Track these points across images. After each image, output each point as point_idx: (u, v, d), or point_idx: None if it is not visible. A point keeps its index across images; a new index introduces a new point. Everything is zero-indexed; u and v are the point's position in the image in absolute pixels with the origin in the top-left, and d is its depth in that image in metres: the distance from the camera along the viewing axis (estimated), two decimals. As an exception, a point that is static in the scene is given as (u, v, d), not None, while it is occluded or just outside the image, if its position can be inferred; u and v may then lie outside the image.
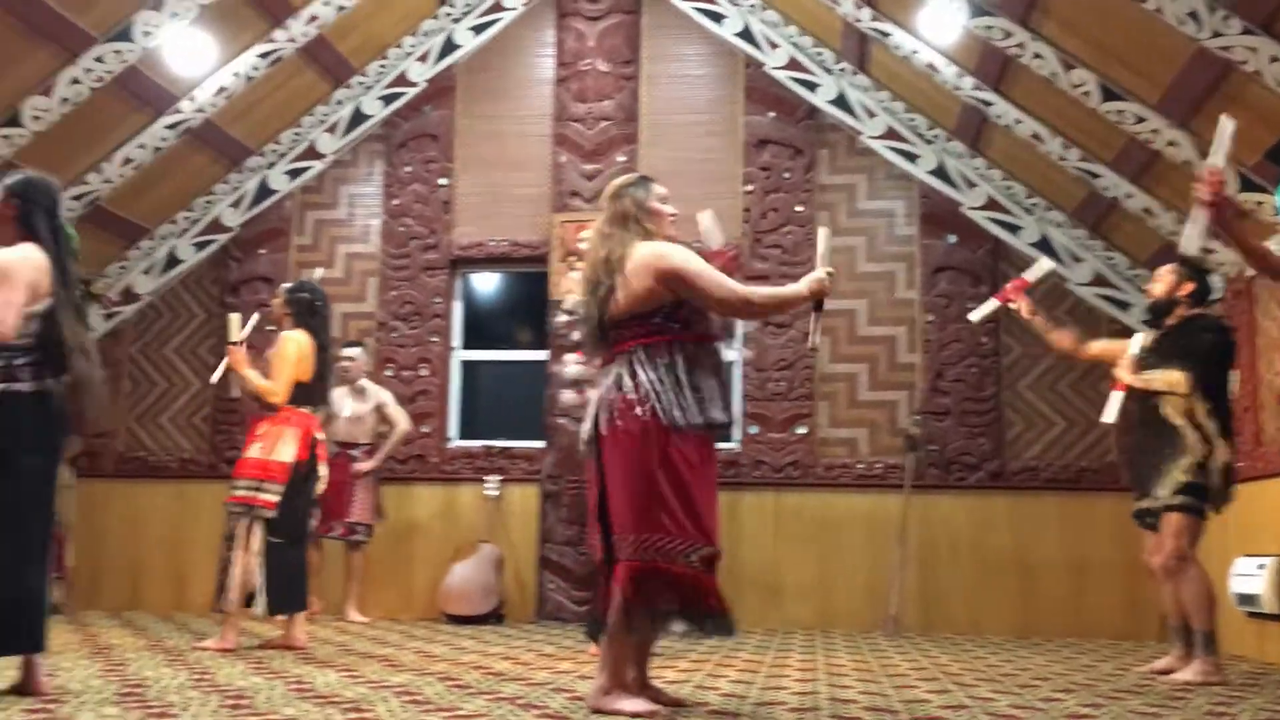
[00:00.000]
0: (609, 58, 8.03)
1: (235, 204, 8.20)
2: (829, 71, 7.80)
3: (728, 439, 7.42)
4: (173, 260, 8.18)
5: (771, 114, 7.87)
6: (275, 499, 5.12)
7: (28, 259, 3.56)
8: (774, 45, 7.87)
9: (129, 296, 8.13)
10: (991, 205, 7.52)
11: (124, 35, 6.38)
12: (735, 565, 7.16)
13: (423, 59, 8.19)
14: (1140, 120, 5.76)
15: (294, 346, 5.27)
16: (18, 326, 3.48)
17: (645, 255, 3.40)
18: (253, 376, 5.25)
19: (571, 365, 6.39)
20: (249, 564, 5.08)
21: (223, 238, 8.21)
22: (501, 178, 8.09)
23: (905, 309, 7.59)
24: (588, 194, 7.81)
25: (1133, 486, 5.10)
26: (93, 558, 7.77)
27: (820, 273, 3.46)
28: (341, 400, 7.18)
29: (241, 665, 4.48)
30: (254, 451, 5.19)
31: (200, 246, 8.20)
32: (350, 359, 7.21)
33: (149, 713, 3.14)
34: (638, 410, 3.30)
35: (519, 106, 8.15)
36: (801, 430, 7.51)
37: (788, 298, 3.52)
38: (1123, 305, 7.25)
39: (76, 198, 7.14)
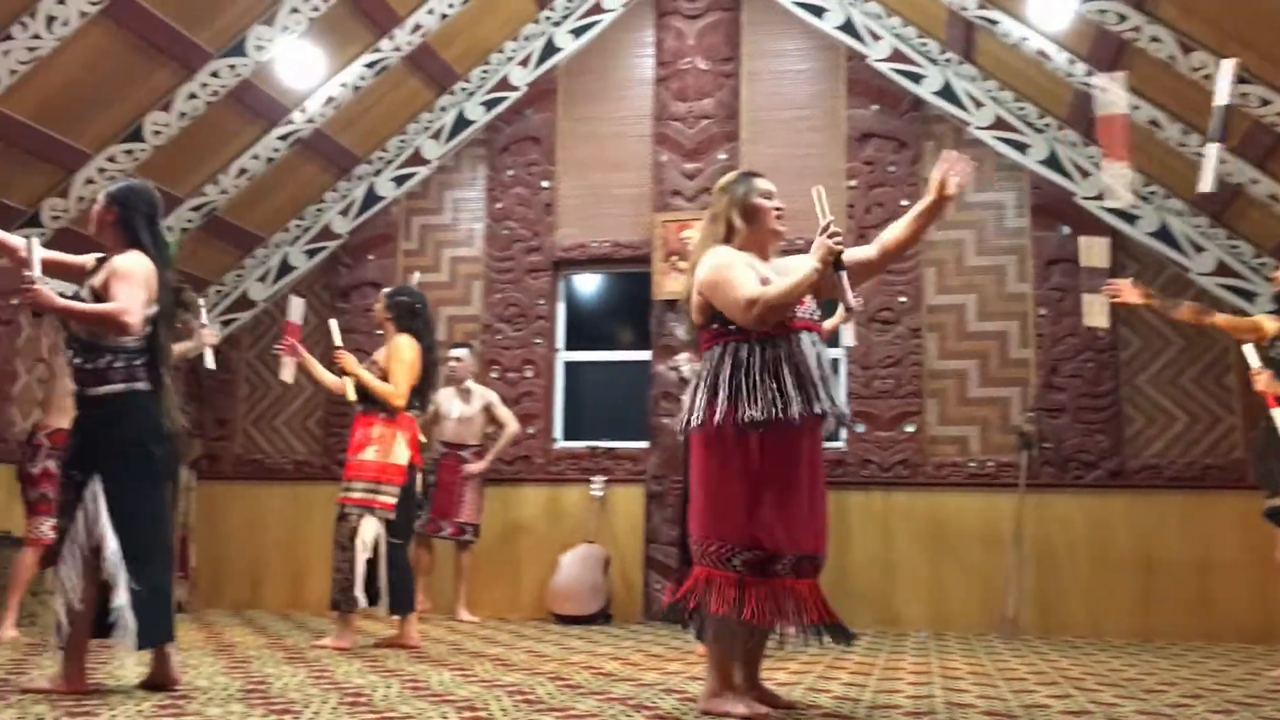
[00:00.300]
0: (709, 55, 8.00)
1: (344, 211, 8.39)
2: (934, 62, 7.65)
3: (835, 436, 7.34)
4: (286, 267, 8.40)
5: (875, 107, 7.75)
6: (393, 500, 5.22)
7: (144, 263, 3.69)
8: (876, 37, 7.76)
9: (245, 303, 8.37)
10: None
11: (238, 50, 6.57)
12: (843, 566, 7.08)
13: (524, 63, 8.27)
14: (1265, 103, 5.53)
15: (411, 350, 5.35)
16: (143, 326, 3.61)
17: (700, 263, 3.42)
18: (369, 379, 5.35)
19: (685, 366, 6.40)
20: (370, 565, 5.18)
21: (333, 244, 8.40)
22: (602, 179, 8.12)
23: (1017, 303, 7.40)
24: (689, 193, 7.79)
25: (1262, 484, 4.88)
26: (214, 558, 8.02)
27: (821, 238, 3.29)
28: (449, 402, 7.29)
29: (358, 664, 4.56)
30: (369, 454, 5.28)
31: (311, 253, 8.41)
32: (457, 359, 7.31)
33: (271, 709, 3.22)
34: (707, 412, 3.30)
35: (619, 107, 8.18)
36: (910, 428, 7.38)
37: (800, 282, 3.25)
38: (1247, 295, 6.96)
39: (195, 208, 7.38)
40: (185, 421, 3.84)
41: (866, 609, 7.11)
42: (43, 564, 5.79)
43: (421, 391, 5.46)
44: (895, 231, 3.54)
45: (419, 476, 5.58)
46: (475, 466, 7.23)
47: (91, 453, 3.63)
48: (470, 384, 7.39)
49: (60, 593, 3.55)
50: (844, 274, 3.29)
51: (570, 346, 8.23)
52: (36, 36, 5.63)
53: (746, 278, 3.30)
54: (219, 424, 8.35)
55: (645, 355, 7.87)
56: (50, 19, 5.60)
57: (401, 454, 5.28)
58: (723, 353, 3.34)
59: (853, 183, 7.69)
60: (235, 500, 8.20)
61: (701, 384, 3.37)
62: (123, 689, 3.66)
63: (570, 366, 8.23)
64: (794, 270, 3.33)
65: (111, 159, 6.62)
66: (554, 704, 3.44)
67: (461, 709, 3.28)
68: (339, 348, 5.48)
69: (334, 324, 5.66)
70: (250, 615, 7.33)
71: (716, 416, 3.27)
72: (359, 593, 5.14)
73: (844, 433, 7.43)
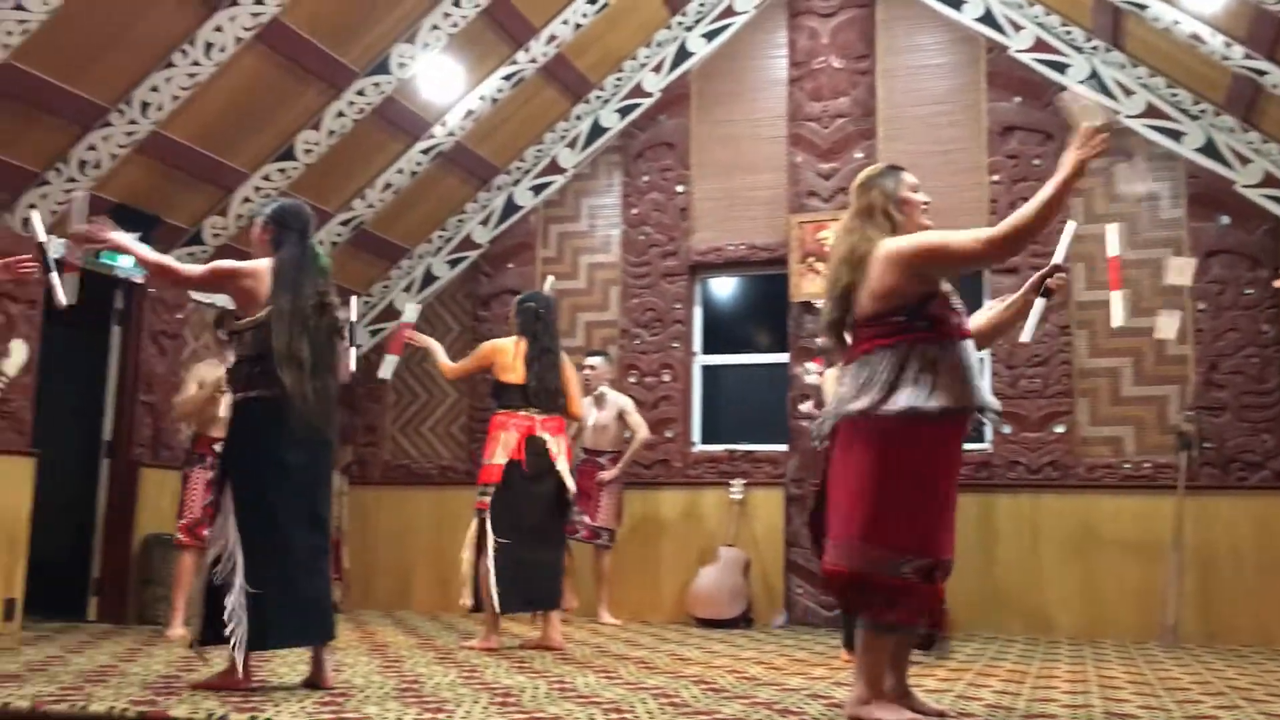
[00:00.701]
0: (843, 54, 7.91)
1: (484, 221, 8.57)
2: (1079, 50, 7.41)
3: (980, 437, 7.16)
4: (429, 277, 8.63)
5: (1017, 99, 7.55)
6: (488, 500, 5.35)
7: (255, 264, 3.87)
8: (1018, 27, 7.55)
9: (391, 313, 8.62)
10: (1270, 182, 6.94)
11: (382, 68, 6.79)
12: (990, 571, 6.91)
13: (657, 69, 8.32)
14: None
15: (482, 348, 5.76)
16: (205, 277, 3.98)
17: (889, 250, 3.26)
18: (442, 359, 5.87)
19: (810, 374, 6.35)
20: (480, 565, 5.31)
21: (474, 254, 8.60)
22: (737, 181, 8.11)
23: (1173, 297, 7.09)
24: (825, 193, 7.72)
25: None
26: (364, 560, 8.27)
27: (1074, 146, 3.07)
28: (585, 409, 7.38)
29: (505, 664, 4.65)
30: (484, 457, 5.47)
31: (454, 263, 8.62)
32: (591, 368, 7.39)
33: (425, 708, 3.30)
34: (870, 412, 3.17)
35: (753, 109, 8.15)
36: (1060, 429, 7.14)
37: (1054, 194, 3.05)
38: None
39: (344, 223, 7.65)
40: (329, 427, 3.83)
41: (1016, 616, 6.91)
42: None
43: (537, 392, 5.50)
44: (991, 315, 3.68)
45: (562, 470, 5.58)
46: (608, 474, 7.29)
47: (225, 458, 3.86)
48: (605, 390, 7.45)
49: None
50: (1043, 303, 3.53)
51: (707, 350, 8.24)
52: (196, 63, 5.92)
53: (958, 233, 3.30)
54: (368, 430, 8.62)
55: (783, 358, 7.82)
56: (209, 45, 5.89)
57: (497, 454, 5.39)
58: (896, 350, 3.21)
59: (995, 178, 7.49)
60: (384, 504, 8.44)
61: (876, 380, 3.21)
62: (287, 686, 3.82)
63: (708, 370, 8.24)
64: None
65: (266, 177, 6.91)
66: (699, 707, 3.45)
67: (608, 710, 3.31)
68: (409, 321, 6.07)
69: (413, 309, 6.15)
70: (400, 616, 7.54)
71: (894, 412, 3.16)
72: (483, 593, 5.27)
73: (989, 433, 7.24)
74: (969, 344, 3.32)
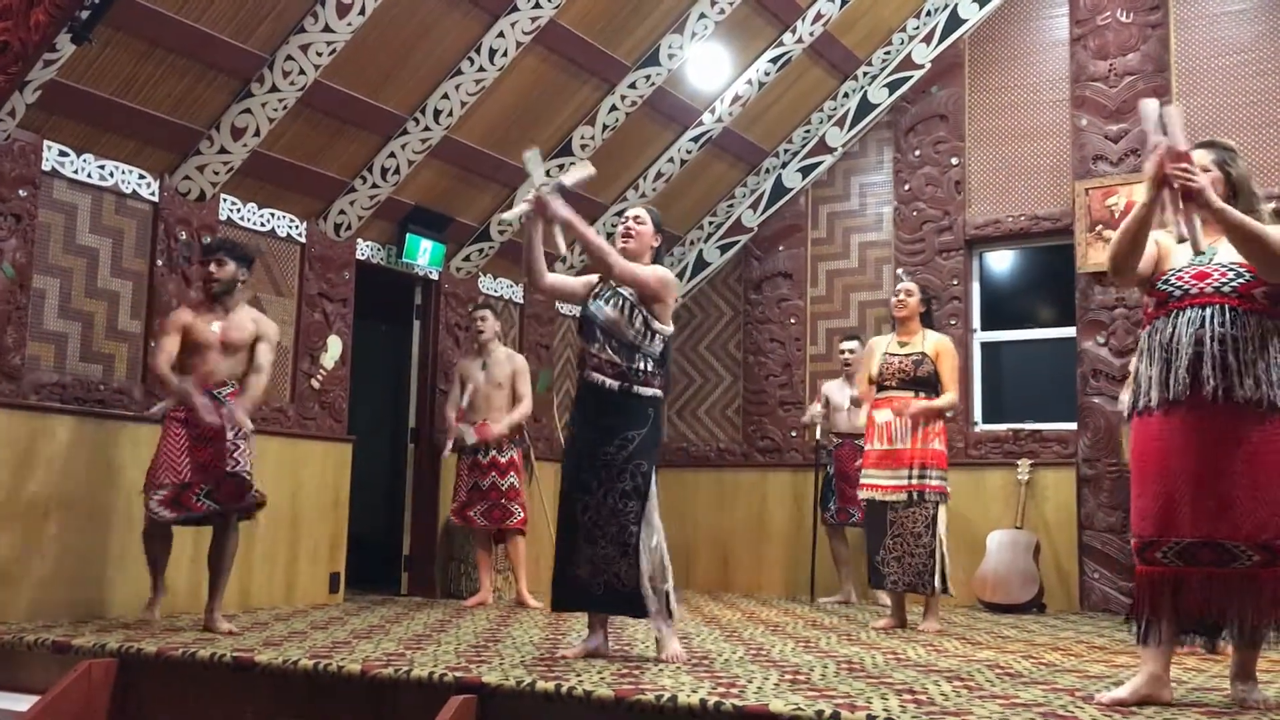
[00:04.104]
0: (1131, 6, 7.42)
1: (754, 205, 8.62)
2: None
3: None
4: (701, 263, 8.76)
5: (1336, 41, 6.86)
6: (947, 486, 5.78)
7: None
8: (1334, -39, 6.86)
9: (665, 300, 8.82)
10: None
11: (652, 60, 6.95)
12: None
13: (927, 39, 8.09)
14: None
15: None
16: (645, 280, 4.11)
17: None
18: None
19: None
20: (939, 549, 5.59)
21: (744, 238, 8.67)
22: (1016, 150, 7.78)
23: None
24: (1114, 157, 7.29)
25: None
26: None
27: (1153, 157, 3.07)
28: (840, 393, 7.33)
29: (791, 644, 4.69)
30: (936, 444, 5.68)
31: (724, 248, 8.72)
32: (850, 351, 7.30)
33: (719, 682, 3.39)
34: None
35: (1032, 73, 7.79)
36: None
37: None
38: None
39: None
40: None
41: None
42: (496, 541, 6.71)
43: None
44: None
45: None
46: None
47: (640, 450, 4.06)
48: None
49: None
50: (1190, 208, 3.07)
51: (986, 326, 7.96)
52: (481, 69, 6.26)
53: None
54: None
55: (1069, 332, 7.45)
56: (492, 51, 6.21)
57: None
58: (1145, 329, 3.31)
59: (1310, 128, 6.85)
60: (666, 487, 8.62)
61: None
62: (631, 656, 4.01)
63: (988, 347, 7.96)
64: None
65: (547, 173, 7.20)
66: (995, 691, 3.36)
67: (900, 691, 3.28)
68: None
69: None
70: (685, 595, 7.72)
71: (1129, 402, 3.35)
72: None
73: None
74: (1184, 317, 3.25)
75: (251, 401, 4.94)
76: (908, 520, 5.53)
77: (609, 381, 4.01)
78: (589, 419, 4.06)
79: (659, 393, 4.08)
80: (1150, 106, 3.18)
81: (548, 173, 4.06)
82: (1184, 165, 3.06)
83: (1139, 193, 3.24)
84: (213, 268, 4.93)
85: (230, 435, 4.76)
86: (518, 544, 6.59)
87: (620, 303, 4.06)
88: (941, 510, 5.56)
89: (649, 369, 4.05)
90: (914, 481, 5.51)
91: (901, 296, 5.78)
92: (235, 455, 4.76)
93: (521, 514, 6.53)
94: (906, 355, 5.62)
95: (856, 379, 6.12)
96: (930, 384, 5.60)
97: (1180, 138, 3.08)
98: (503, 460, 6.55)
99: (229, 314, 4.94)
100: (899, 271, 7.07)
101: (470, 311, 7.11)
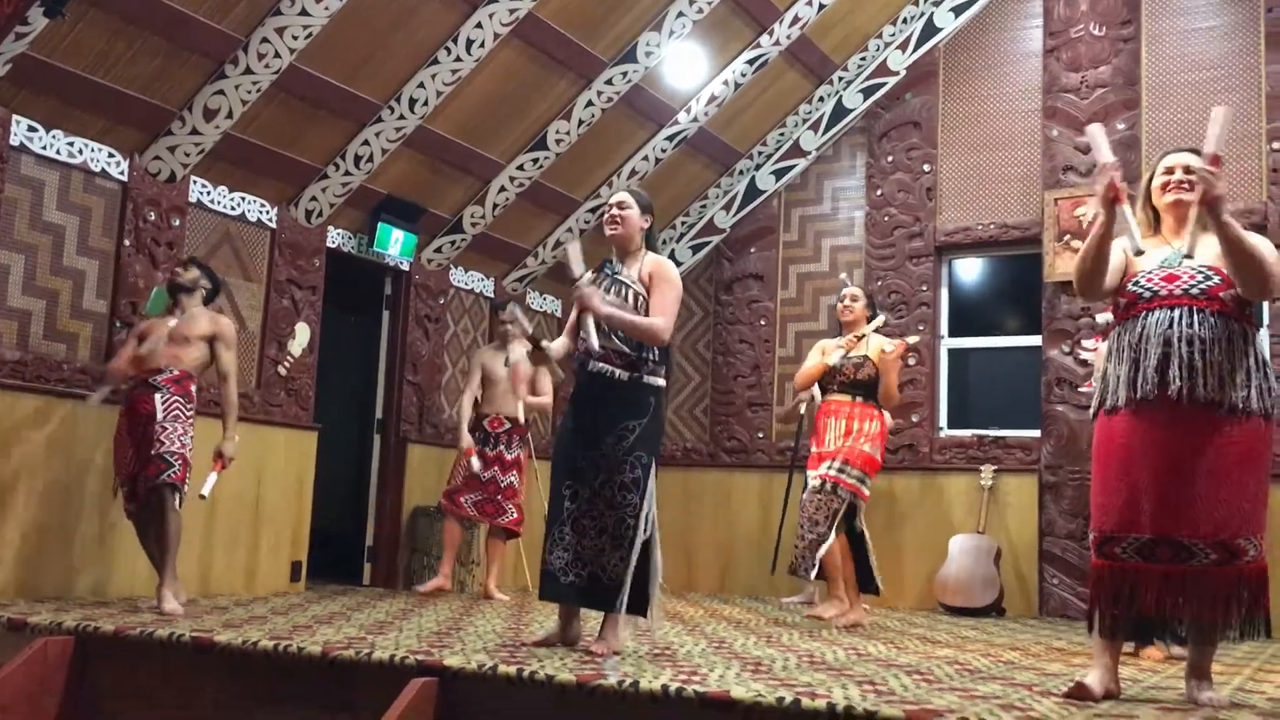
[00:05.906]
0: (1104, 20, 7.51)
1: (726, 206, 8.64)
2: (1375, 3, 6.77)
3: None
4: (673, 263, 8.75)
5: (1301, 60, 6.97)
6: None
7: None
8: (1303, -18, 6.97)
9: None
10: None
11: (629, 57, 6.96)
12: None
13: (903, 47, 8.15)
14: None
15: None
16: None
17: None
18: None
19: (1088, 352, 6.21)
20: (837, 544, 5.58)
21: (716, 239, 8.69)
22: (987, 159, 7.85)
23: None
24: (1083, 167, 7.36)
25: None
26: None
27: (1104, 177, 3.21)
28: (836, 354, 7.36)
29: (754, 638, 4.70)
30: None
31: (696, 249, 8.73)
32: (853, 298, 7.31)
33: (680, 670, 3.39)
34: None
35: (1005, 83, 7.87)
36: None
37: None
38: None
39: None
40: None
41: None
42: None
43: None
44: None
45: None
46: None
47: (645, 437, 4.04)
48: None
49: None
50: (1125, 210, 3.20)
51: (954, 333, 8.02)
52: (458, 59, 6.24)
53: None
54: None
55: (1035, 340, 7.53)
56: (469, 42, 6.20)
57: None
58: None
59: (1276, 145, 6.94)
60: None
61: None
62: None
63: (955, 354, 8.02)
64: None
65: (520, 167, 7.22)
66: (954, 685, 3.39)
67: (861, 683, 3.30)
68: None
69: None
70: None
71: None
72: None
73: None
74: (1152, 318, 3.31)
75: (231, 407, 5.16)
76: (810, 506, 5.48)
77: (619, 372, 3.98)
78: (591, 410, 4.01)
79: (663, 382, 4.07)
80: (1097, 130, 3.35)
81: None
82: (1213, 170, 3.14)
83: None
84: (179, 268, 5.22)
85: (160, 418, 4.87)
86: (503, 542, 6.58)
87: (624, 291, 4.05)
88: (858, 512, 5.54)
89: (655, 358, 4.03)
90: (832, 472, 5.47)
91: (847, 301, 5.80)
92: (161, 437, 4.85)
93: (515, 514, 6.52)
94: (850, 360, 5.64)
95: (803, 371, 5.95)
96: (870, 388, 5.61)
97: (1213, 141, 3.19)
98: (509, 457, 6.55)
99: (184, 313, 5.15)
100: (842, 276, 7.09)
101: (498, 308, 7.09)
